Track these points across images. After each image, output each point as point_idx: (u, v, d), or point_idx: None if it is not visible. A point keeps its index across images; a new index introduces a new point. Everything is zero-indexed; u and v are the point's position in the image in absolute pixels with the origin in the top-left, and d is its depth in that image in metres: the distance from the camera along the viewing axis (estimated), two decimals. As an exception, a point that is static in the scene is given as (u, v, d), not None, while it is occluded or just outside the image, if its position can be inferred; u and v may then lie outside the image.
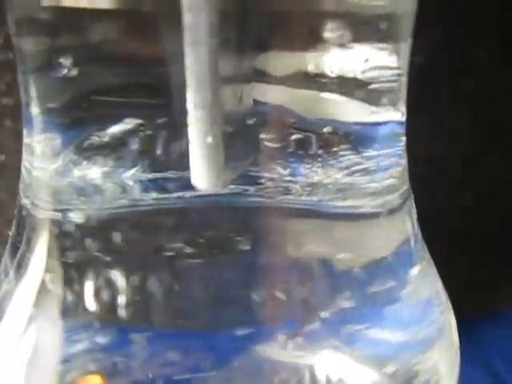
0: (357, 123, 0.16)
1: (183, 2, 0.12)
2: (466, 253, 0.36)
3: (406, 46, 0.17)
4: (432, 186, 0.34)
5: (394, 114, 0.17)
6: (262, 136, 0.15)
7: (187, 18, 0.12)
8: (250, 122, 0.15)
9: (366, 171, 0.16)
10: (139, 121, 0.15)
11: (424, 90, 0.32)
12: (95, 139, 0.15)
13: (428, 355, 0.17)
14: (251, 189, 0.15)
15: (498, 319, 0.36)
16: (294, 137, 0.15)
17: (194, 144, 0.14)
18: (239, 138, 0.15)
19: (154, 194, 0.15)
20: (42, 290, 0.16)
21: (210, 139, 0.13)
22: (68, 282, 0.16)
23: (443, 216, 0.35)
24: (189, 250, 0.15)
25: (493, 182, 0.36)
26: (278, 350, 0.15)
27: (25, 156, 0.17)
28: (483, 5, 0.33)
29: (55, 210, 0.16)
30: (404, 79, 0.17)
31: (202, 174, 0.14)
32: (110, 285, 0.15)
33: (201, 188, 0.14)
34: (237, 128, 0.15)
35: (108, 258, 0.15)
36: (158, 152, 0.15)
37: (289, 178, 0.15)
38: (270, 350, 0.15)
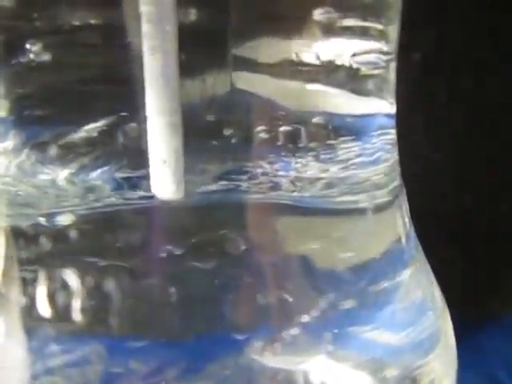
0: (344, 115, 0.16)
1: (142, 12, 0.13)
2: (467, 255, 0.36)
3: (393, 30, 0.16)
4: (430, 186, 0.34)
5: (382, 105, 0.17)
6: (251, 129, 0.15)
7: (145, 27, 0.13)
8: (239, 112, 0.15)
9: (353, 165, 0.16)
10: (114, 118, 0.14)
11: (422, 87, 0.32)
12: (63, 137, 0.15)
13: (425, 360, 0.17)
14: (244, 185, 0.15)
15: (500, 326, 0.35)
16: (282, 129, 0.15)
17: (153, 153, 0.14)
18: (212, 135, 0.15)
19: (139, 193, 0.15)
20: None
21: (169, 147, 0.13)
22: (23, 285, 0.15)
23: (443, 217, 0.35)
24: (178, 251, 0.15)
25: (493, 182, 0.36)
26: (260, 357, 0.15)
27: None
28: (482, 1, 0.33)
29: (12, 213, 0.16)
30: (392, 66, 0.17)
31: (161, 183, 0.14)
32: (66, 289, 0.15)
33: (160, 197, 0.14)
34: (209, 121, 0.14)
35: (65, 261, 0.15)
36: (138, 149, 0.14)
37: (280, 173, 0.15)
38: (252, 357, 0.15)
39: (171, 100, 0.13)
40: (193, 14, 0.14)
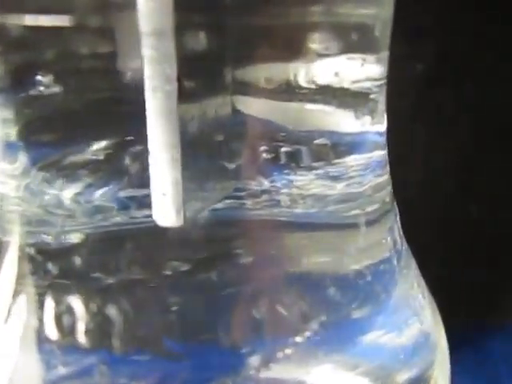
0: (340, 133, 0.17)
1: (144, 55, 0.13)
2: (470, 261, 0.36)
3: (385, 55, 0.17)
4: (433, 196, 0.34)
5: (374, 124, 0.17)
6: (254, 150, 0.15)
7: (146, 69, 0.13)
8: (235, 134, 0.15)
9: (347, 181, 0.17)
10: (120, 138, 0.15)
11: (426, 97, 0.32)
12: (71, 157, 0.15)
13: (428, 364, 0.18)
14: (248, 202, 0.16)
15: (503, 329, 0.35)
16: (283, 149, 0.16)
17: (154, 185, 0.14)
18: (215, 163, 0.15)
19: (145, 211, 0.15)
20: (9, 315, 0.16)
21: (169, 179, 0.14)
22: (32, 307, 0.16)
23: (446, 227, 0.35)
24: (184, 267, 0.15)
25: (496, 190, 0.36)
26: (266, 368, 0.15)
27: None
28: (486, 12, 0.33)
29: (22, 232, 0.16)
30: (383, 89, 0.17)
31: (162, 212, 0.14)
32: (71, 311, 0.15)
33: (160, 224, 0.15)
34: (212, 147, 0.15)
35: (74, 279, 0.15)
36: (143, 169, 0.15)
37: (282, 191, 0.16)
38: (258, 368, 0.15)
39: (171, 136, 0.14)
40: (194, 41, 0.14)
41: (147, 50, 0.13)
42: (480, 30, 0.33)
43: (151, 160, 0.14)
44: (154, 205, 0.14)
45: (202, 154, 0.15)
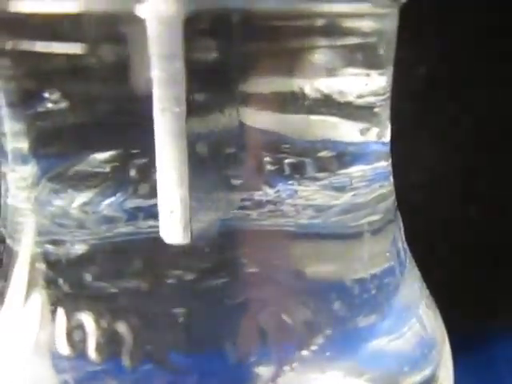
0: (345, 143, 0.17)
1: (153, 77, 0.13)
2: (474, 266, 0.35)
3: (389, 70, 0.17)
4: (435, 199, 0.34)
5: (378, 136, 0.18)
6: (258, 161, 0.16)
7: (155, 91, 0.13)
8: (241, 145, 0.15)
9: (351, 192, 0.17)
10: (126, 150, 0.15)
11: (428, 101, 0.32)
12: (77, 168, 0.15)
13: (435, 367, 0.18)
14: (253, 213, 0.16)
15: (508, 334, 0.35)
16: (287, 160, 0.16)
17: (162, 203, 0.14)
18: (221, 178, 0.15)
19: (150, 222, 0.15)
20: (19, 323, 0.16)
21: (176, 197, 0.14)
22: (41, 315, 0.16)
23: (448, 229, 0.35)
24: (191, 276, 0.15)
25: (497, 193, 0.36)
26: (275, 378, 0.15)
27: (2, 186, 0.17)
28: (485, 15, 0.33)
29: (32, 243, 0.16)
30: (387, 102, 0.18)
31: (169, 229, 0.15)
32: (79, 321, 0.15)
33: (167, 241, 0.15)
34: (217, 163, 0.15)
35: (81, 288, 0.16)
36: (149, 180, 0.15)
37: (287, 201, 0.16)
38: (268, 378, 0.15)
39: (179, 156, 0.14)
40: (201, 54, 0.14)
41: (156, 71, 0.13)
42: (482, 33, 0.33)
43: (159, 177, 0.14)
44: (161, 222, 0.15)
45: (208, 168, 0.15)
